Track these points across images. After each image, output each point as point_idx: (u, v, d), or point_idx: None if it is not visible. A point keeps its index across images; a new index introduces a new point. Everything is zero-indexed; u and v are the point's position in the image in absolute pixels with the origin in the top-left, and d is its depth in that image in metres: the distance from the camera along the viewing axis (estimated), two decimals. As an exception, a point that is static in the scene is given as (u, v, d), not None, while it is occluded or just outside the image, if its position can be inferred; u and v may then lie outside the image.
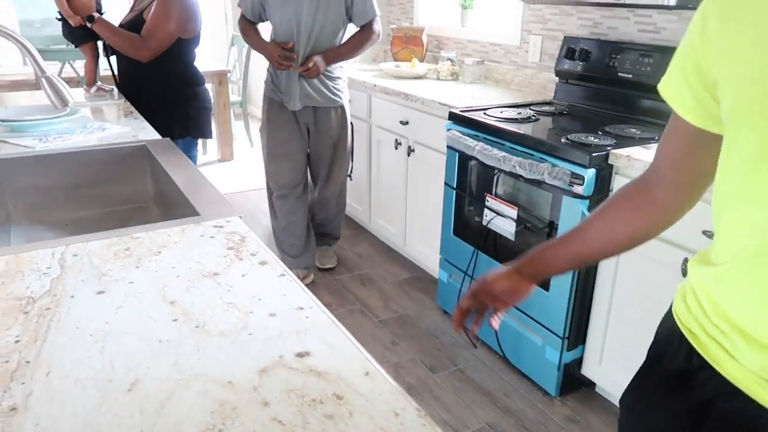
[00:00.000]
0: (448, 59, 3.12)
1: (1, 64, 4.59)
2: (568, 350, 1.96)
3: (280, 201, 2.71)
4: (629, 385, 0.87)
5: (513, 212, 2.04)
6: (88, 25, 2.16)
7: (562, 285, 1.89)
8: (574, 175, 1.76)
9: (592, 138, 1.87)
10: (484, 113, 2.23)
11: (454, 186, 2.33)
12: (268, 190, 2.81)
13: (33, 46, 1.39)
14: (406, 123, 2.69)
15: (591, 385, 2.06)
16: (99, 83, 2.38)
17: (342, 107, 2.65)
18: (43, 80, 1.41)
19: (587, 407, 1.99)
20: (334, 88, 2.59)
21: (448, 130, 2.28)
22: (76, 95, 2.32)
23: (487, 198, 2.15)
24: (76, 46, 2.42)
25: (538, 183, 1.89)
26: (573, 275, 1.85)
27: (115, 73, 2.38)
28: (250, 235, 1.07)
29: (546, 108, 2.35)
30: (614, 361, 1.88)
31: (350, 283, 2.82)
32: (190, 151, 2.38)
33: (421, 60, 3.36)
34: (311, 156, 2.73)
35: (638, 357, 0.85)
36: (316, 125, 2.63)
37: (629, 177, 1.71)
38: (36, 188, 1.56)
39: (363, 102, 3.00)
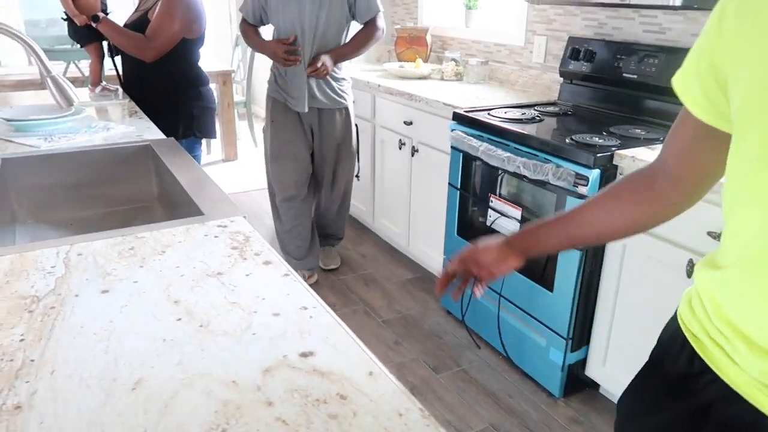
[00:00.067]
0: (453, 59, 3.12)
1: (6, 64, 4.61)
2: (572, 351, 1.96)
3: (285, 204, 2.69)
4: (628, 388, 0.87)
5: (517, 213, 2.04)
6: (93, 25, 2.17)
7: (566, 286, 1.88)
8: (578, 175, 1.76)
9: (597, 139, 1.87)
10: (489, 114, 2.23)
11: (458, 186, 2.33)
12: (270, 193, 2.79)
13: (38, 45, 1.39)
14: (410, 123, 2.69)
15: (595, 386, 2.05)
16: (104, 83, 2.39)
17: (346, 109, 2.65)
18: (48, 80, 1.42)
19: (591, 408, 1.98)
20: (339, 89, 2.58)
21: (452, 130, 2.28)
22: (81, 95, 2.33)
23: (491, 198, 2.15)
24: (81, 46, 2.43)
25: (543, 183, 1.89)
26: (577, 276, 1.84)
27: (120, 73, 2.38)
28: (254, 235, 1.07)
29: (550, 108, 2.35)
30: (618, 362, 1.87)
31: (354, 283, 2.82)
32: (193, 151, 2.39)
33: (426, 60, 3.36)
34: (315, 158, 2.71)
35: (642, 358, 0.84)
36: (320, 127, 2.62)
37: (634, 178, 1.70)
38: (41, 187, 1.56)
39: (367, 102, 3.00)
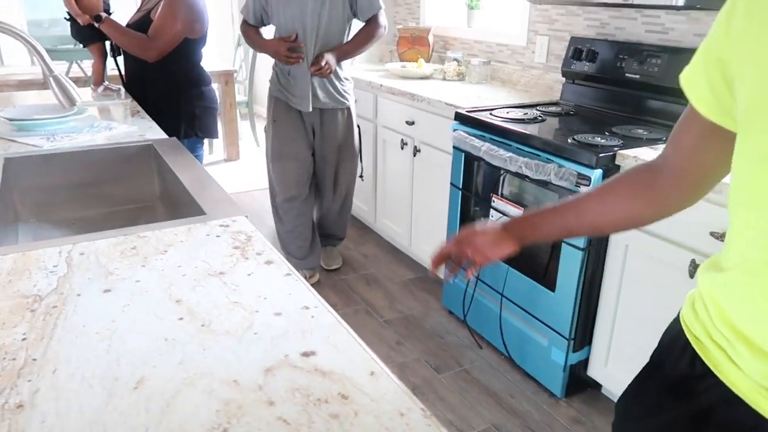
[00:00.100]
0: (455, 59, 3.12)
1: (9, 64, 4.62)
2: (574, 351, 1.96)
3: (286, 204, 2.69)
4: (628, 388, 0.87)
5: (519, 213, 2.04)
6: (96, 24, 2.17)
7: (568, 285, 1.88)
8: (580, 175, 1.75)
9: (599, 139, 1.86)
10: (491, 114, 2.23)
11: (460, 186, 2.33)
12: (271, 193, 2.78)
13: (41, 45, 1.39)
14: (412, 123, 2.69)
15: (597, 386, 2.05)
16: (106, 83, 2.40)
17: (348, 109, 2.65)
18: (51, 79, 1.42)
19: (593, 409, 1.98)
20: (342, 89, 2.58)
21: (454, 130, 2.28)
22: (84, 95, 2.33)
23: (493, 198, 2.15)
24: (84, 46, 2.43)
25: (545, 184, 1.89)
26: (579, 276, 1.84)
27: (122, 72, 2.39)
28: (255, 235, 1.07)
29: (552, 108, 2.34)
30: (620, 363, 1.87)
31: (356, 283, 2.82)
32: (196, 151, 2.39)
33: (428, 60, 3.36)
34: (316, 158, 2.70)
35: (645, 358, 0.84)
36: (321, 127, 2.62)
37: (636, 178, 1.70)
38: (43, 187, 1.57)
39: (369, 102, 3.00)
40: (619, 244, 1.78)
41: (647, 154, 1.71)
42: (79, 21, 2.19)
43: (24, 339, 0.74)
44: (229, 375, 0.68)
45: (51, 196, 1.57)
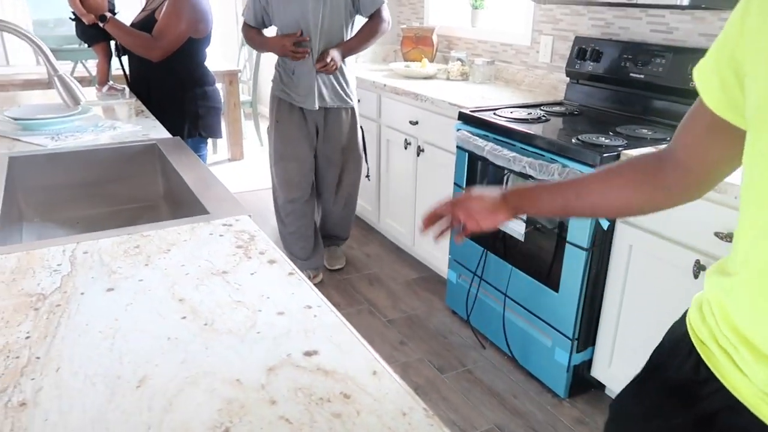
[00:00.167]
0: (458, 59, 3.11)
1: (15, 64, 4.64)
2: (578, 352, 1.95)
3: (289, 206, 2.68)
4: (627, 388, 0.86)
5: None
6: (101, 24, 2.18)
7: (572, 286, 1.88)
8: (584, 175, 1.75)
9: (603, 139, 1.86)
10: (494, 113, 2.23)
11: (464, 186, 2.32)
12: (274, 195, 2.77)
13: (46, 45, 1.40)
14: (416, 123, 2.69)
15: (600, 387, 2.04)
16: (111, 82, 2.40)
17: (353, 109, 2.64)
18: (56, 79, 1.42)
19: (596, 409, 1.98)
20: (346, 88, 2.58)
21: (458, 130, 2.27)
22: (88, 94, 2.34)
23: (496, 198, 2.14)
24: (89, 46, 2.44)
25: (548, 183, 1.88)
26: (583, 276, 1.84)
27: (127, 72, 2.39)
28: (259, 234, 1.07)
29: (556, 108, 2.34)
30: (624, 363, 1.86)
31: (359, 282, 2.82)
32: (199, 151, 2.39)
33: (431, 60, 3.36)
34: (319, 159, 2.69)
35: (648, 359, 0.84)
36: (325, 126, 2.61)
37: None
38: (48, 186, 1.57)
39: (373, 102, 3.00)
40: (623, 244, 1.77)
41: (651, 154, 1.71)
42: (84, 21, 2.19)
43: (28, 337, 0.74)
44: (232, 374, 0.68)
45: (55, 195, 1.58)
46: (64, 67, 3.68)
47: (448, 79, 3.06)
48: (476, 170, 2.26)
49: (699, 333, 0.73)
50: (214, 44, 2.45)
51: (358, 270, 2.94)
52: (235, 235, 1.07)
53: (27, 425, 0.60)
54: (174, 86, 2.28)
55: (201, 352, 0.72)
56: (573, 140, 1.86)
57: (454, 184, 2.37)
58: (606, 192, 0.88)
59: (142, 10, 2.35)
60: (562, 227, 1.89)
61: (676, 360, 0.76)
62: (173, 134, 1.78)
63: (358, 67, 3.36)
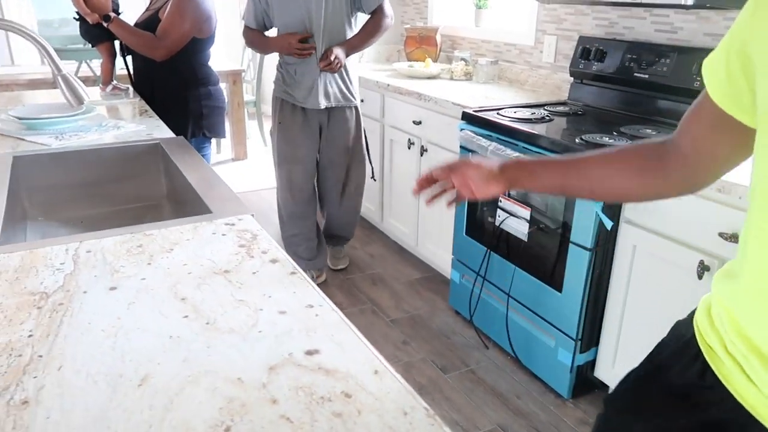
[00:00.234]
0: (462, 59, 3.11)
1: (20, 63, 4.66)
2: (581, 352, 1.95)
3: (293, 207, 2.67)
4: (623, 386, 0.85)
5: (526, 213, 2.03)
6: (105, 24, 2.18)
7: (575, 286, 1.87)
8: (588, 175, 1.74)
9: (607, 138, 1.85)
10: (498, 113, 2.22)
11: (467, 186, 2.32)
12: (278, 197, 2.76)
13: (51, 45, 1.40)
14: (419, 123, 2.69)
15: (604, 387, 2.04)
16: (115, 82, 2.41)
17: (356, 107, 2.63)
18: (59, 78, 1.43)
19: (600, 410, 1.97)
20: (350, 87, 2.57)
21: (462, 130, 2.27)
22: (92, 94, 2.34)
23: (500, 198, 2.14)
24: (92, 46, 2.44)
25: (552, 183, 1.88)
26: (586, 277, 1.83)
27: (131, 72, 2.40)
28: (261, 233, 1.07)
29: (560, 108, 2.33)
30: (628, 364, 1.85)
31: (362, 282, 2.82)
32: (203, 150, 2.40)
33: (435, 60, 3.36)
34: (323, 160, 2.68)
35: (651, 359, 0.83)
36: (329, 126, 2.59)
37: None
38: (52, 185, 1.58)
39: (376, 102, 3.00)
40: (626, 244, 1.77)
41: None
42: (88, 20, 2.20)
43: (30, 336, 0.75)
44: (233, 373, 0.68)
45: (59, 194, 1.58)
46: (68, 66, 3.69)
47: (451, 78, 3.05)
48: (479, 170, 2.26)
49: (707, 338, 0.71)
50: (217, 44, 2.45)
51: (362, 270, 2.94)
52: (238, 234, 1.07)
53: (29, 423, 0.60)
54: (178, 86, 2.29)
55: (202, 350, 0.73)
56: (576, 140, 1.85)
57: (458, 184, 2.37)
58: (607, 176, 0.87)
59: (146, 10, 2.36)
60: (566, 227, 1.89)
61: (681, 362, 0.75)
62: (177, 134, 1.79)
63: (361, 67, 3.36)
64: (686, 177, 0.80)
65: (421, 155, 2.71)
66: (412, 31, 3.46)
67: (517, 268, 2.11)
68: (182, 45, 2.21)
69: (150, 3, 2.38)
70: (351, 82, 2.57)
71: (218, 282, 0.89)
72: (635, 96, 2.23)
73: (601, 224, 1.76)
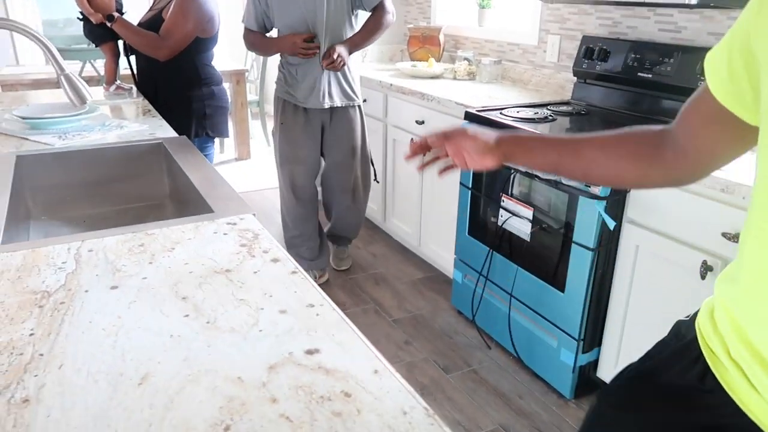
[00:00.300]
0: (465, 59, 3.11)
1: (24, 63, 4.67)
2: (584, 352, 1.94)
3: (296, 208, 2.67)
4: (616, 382, 0.84)
5: (529, 213, 2.03)
6: (108, 24, 2.19)
7: (578, 286, 1.87)
8: (590, 175, 1.74)
9: (610, 138, 1.84)
10: (501, 113, 2.22)
11: (470, 186, 2.32)
12: (281, 199, 2.76)
13: (55, 45, 1.41)
14: (422, 123, 2.68)
15: (606, 388, 2.03)
16: (118, 82, 2.42)
17: (360, 107, 2.63)
18: (62, 78, 1.43)
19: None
20: (353, 86, 2.56)
21: (464, 129, 2.26)
22: (96, 93, 2.35)
23: (502, 198, 2.14)
24: (96, 46, 2.45)
25: (555, 183, 1.87)
26: (589, 277, 1.83)
27: (134, 71, 2.41)
28: (263, 233, 1.07)
29: (563, 108, 2.33)
30: (630, 365, 1.85)
31: (365, 282, 2.82)
32: (206, 150, 2.40)
33: (438, 59, 3.35)
34: (327, 161, 2.67)
35: (653, 360, 0.83)
36: (332, 126, 2.58)
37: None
38: (55, 185, 1.58)
39: (379, 101, 3.00)
40: (629, 244, 1.76)
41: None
42: (92, 20, 2.21)
43: (32, 334, 0.75)
44: (233, 372, 0.69)
45: (62, 193, 1.59)
46: (72, 66, 3.70)
47: (454, 78, 3.05)
48: (482, 170, 2.26)
49: (709, 342, 0.71)
50: (221, 44, 2.46)
51: (364, 270, 2.94)
52: (239, 233, 1.07)
53: (29, 421, 0.60)
54: (181, 86, 2.29)
55: (203, 350, 0.73)
56: (579, 140, 1.84)
57: (460, 183, 2.37)
58: (602, 160, 0.86)
59: (150, 10, 2.36)
60: (569, 227, 1.88)
61: (680, 364, 0.74)
62: (180, 133, 1.79)
63: (364, 67, 3.37)
64: (682, 168, 0.80)
65: (424, 155, 2.70)
66: (415, 30, 3.46)
67: (519, 268, 2.10)
68: (185, 45, 2.21)
69: (153, 3, 2.39)
70: (353, 81, 2.56)
71: (219, 281, 0.89)
72: (639, 96, 2.23)
73: (603, 224, 1.75)
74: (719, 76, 0.69)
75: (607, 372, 1.95)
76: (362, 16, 2.50)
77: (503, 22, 3.22)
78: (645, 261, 1.73)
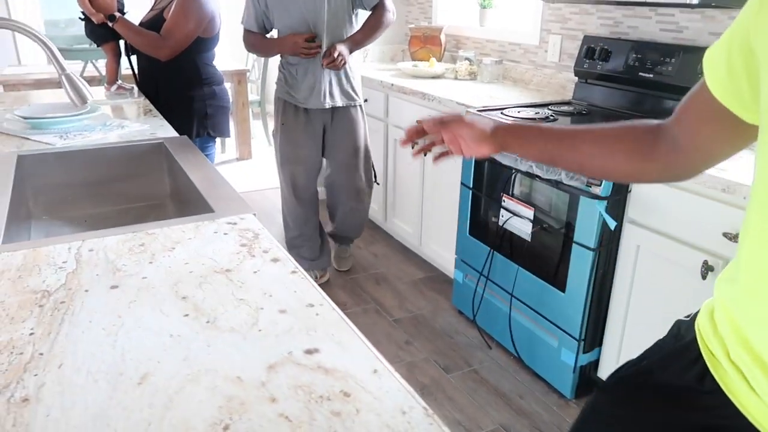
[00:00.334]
0: (466, 59, 3.11)
1: (26, 63, 4.68)
2: (585, 352, 1.94)
3: (296, 208, 2.67)
4: (613, 379, 0.84)
5: (530, 212, 2.03)
6: (110, 24, 2.19)
7: (579, 286, 1.87)
8: (591, 175, 1.74)
9: (611, 138, 1.84)
10: (502, 113, 2.22)
11: (471, 186, 2.32)
12: (282, 199, 2.75)
13: (57, 45, 1.41)
14: (423, 122, 2.68)
15: (607, 388, 2.03)
16: (120, 82, 2.42)
17: (361, 106, 2.62)
18: (63, 78, 1.44)
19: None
20: (354, 85, 2.56)
21: (465, 129, 2.26)
22: (97, 93, 2.35)
23: (503, 198, 2.14)
24: (97, 46, 2.45)
25: (556, 183, 1.87)
26: (590, 277, 1.82)
27: (136, 71, 2.41)
28: (263, 232, 1.07)
29: (565, 108, 2.33)
30: (631, 365, 1.85)
31: (365, 282, 2.82)
32: (207, 150, 2.40)
33: (439, 59, 3.35)
34: (328, 160, 2.67)
35: (653, 360, 0.83)
36: (333, 126, 2.58)
37: (648, 178, 1.68)
38: (56, 184, 1.59)
39: (380, 101, 3.00)
40: (630, 244, 1.76)
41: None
42: (93, 20, 2.21)
43: (32, 334, 0.75)
44: (233, 371, 0.69)
45: (63, 193, 1.59)
46: (74, 66, 3.71)
47: (456, 78, 3.05)
48: (483, 170, 2.26)
49: (709, 344, 0.70)
50: (222, 44, 2.46)
51: (365, 269, 2.94)
52: (240, 233, 1.07)
53: (29, 421, 0.60)
54: (182, 85, 2.29)
55: (203, 349, 0.73)
56: (580, 140, 1.84)
57: (461, 183, 2.37)
58: (599, 154, 0.87)
59: (151, 10, 2.36)
60: (569, 227, 1.88)
61: (679, 364, 0.74)
62: (181, 133, 1.79)
63: (365, 67, 3.37)
64: (677, 164, 0.80)
65: (425, 155, 2.70)
66: (417, 30, 3.46)
67: (520, 267, 2.10)
68: (186, 45, 2.21)
69: (154, 3, 2.39)
70: (354, 81, 2.55)
71: (219, 281, 0.90)
72: (640, 96, 2.23)
73: (604, 224, 1.75)
74: (718, 74, 0.69)
75: (607, 372, 1.94)
76: (362, 16, 2.49)
77: (504, 22, 3.22)
78: (646, 261, 1.73)
